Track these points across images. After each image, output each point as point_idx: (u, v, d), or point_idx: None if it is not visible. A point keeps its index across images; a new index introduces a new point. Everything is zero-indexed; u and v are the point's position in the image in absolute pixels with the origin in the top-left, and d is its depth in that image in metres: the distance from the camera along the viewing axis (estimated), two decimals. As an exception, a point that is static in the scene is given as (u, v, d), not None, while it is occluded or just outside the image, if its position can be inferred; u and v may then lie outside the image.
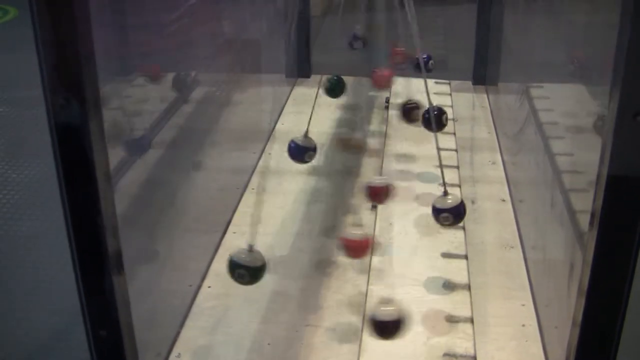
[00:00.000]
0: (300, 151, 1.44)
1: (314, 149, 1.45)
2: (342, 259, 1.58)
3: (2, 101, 2.99)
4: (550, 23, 1.72)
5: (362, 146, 1.70)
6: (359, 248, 1.23)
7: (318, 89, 1.69)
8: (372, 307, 1.15)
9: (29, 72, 0.84)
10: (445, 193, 1.31)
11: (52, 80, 0.81)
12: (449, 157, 1.99)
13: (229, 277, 1.14)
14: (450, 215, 1.30)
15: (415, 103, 1.76)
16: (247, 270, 1.12)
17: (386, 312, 1.12)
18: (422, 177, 1.89)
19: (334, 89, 1.73)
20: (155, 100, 1.56)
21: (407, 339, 1.32)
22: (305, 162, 1.47)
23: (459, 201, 1.31)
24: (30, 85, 0.94)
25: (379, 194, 1.31)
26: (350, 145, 1.66)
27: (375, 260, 1.54)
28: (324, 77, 1.78)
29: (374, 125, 2.15)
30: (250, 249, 1.13)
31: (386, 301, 1.13)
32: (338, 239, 1.26)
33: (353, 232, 1.24)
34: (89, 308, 0.95)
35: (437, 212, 1.31)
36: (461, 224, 1.66)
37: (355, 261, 1.46)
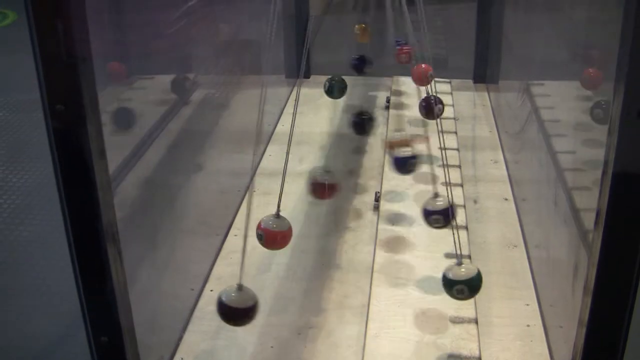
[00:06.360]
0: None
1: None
2: (345, 260, 1.58)
3: (2, 105, 2.98)
4: (551, 20, 1.72)
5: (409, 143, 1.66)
6: (277, 240, 1.16)
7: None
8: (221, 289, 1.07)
9: (29, 75, 0.83)
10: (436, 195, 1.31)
11: (49, 86, 0.80)
12: (450, 157, 1.98)
13: (448, 296, 1.17)
14: (441, 217, 1.30)
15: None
16: (465, 285, 1.14)
17: (236, 298, 1.06)
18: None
19: (333, 90, 1.72)
20: (154, 102, 1.56)
21: (412, 341, 1.31)
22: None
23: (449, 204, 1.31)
24: (29, 89, 0.93)
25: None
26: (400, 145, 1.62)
27: (378, 258, 1.53)
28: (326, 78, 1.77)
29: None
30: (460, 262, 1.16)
31: (239, 287, 1.06)
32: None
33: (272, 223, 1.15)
34: (89, 314, 0.94)
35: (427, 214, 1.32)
36: (463, 224, 1.66)
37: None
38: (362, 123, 1.65)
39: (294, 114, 1.32)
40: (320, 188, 1.34)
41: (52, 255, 1.90)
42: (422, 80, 1.67)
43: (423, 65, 1.64)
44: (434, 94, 1.54)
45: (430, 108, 1.62)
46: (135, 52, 1.41)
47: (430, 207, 1.32)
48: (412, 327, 1.34)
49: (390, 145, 1.61)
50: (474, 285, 1.16)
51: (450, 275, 1.15)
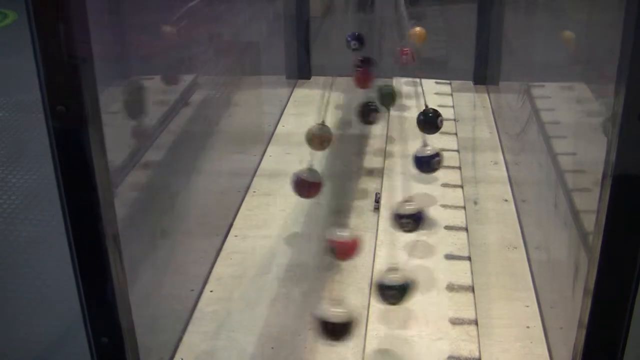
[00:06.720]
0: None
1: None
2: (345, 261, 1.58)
3: (2, 105, 2.98)
4: (551, 22, 1.72)
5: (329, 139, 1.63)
6: (347, 249, 1.21)
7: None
8: (322, 308, 1.13)
9: (29, 76, 0.83)
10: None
11: (49, 86, 0.80)
12: (450, 158, 1.98)
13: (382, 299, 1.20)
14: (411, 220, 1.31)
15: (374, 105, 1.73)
16: (397, 290, 1.17)
17: (335, 314, 1.10)
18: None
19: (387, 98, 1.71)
20: (155, 103, 1.55)
21: (412, 342, 1.31)
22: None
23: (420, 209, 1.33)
24: (29, 90, 0.93)
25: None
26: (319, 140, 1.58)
27: (378, 259, 1.53)
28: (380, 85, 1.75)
29: (375, 128, 2.15)
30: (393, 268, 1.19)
31: (338, 302, 1.12)
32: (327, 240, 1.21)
33: (340, 234, 1.20)
34: (90, 314, 0.94)
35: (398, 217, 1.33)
36: (463, 226, 1.65)
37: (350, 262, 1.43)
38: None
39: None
40: (304, 186, 1.34)
41: (52, 255, 1.90)
42: (363, 83, 1.68)
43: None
44: (373, 101, 1.60)
45: (367, 114, 1.66)
46: (135, 52, 1.41)
47: (400, 211, 1.33)
48: (412, 328, 1.34)
49: (310, 141, 1.58)
50: (406, 291, 1.19)
51: (385, 281, 1.18)
